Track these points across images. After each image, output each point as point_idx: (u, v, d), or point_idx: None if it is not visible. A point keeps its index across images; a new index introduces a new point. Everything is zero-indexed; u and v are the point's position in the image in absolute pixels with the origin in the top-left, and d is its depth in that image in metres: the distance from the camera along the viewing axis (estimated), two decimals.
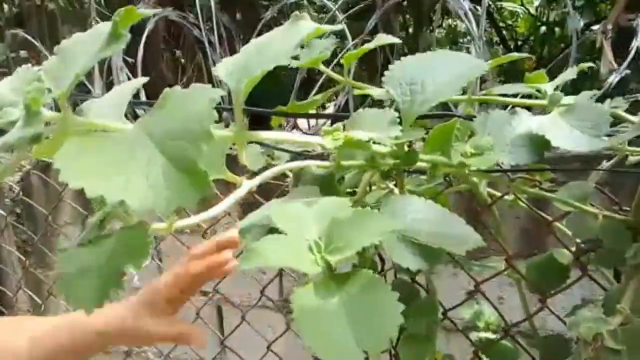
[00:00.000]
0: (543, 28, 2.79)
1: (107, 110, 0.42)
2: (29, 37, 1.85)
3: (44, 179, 1.67)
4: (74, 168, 0.32)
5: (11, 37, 1.97)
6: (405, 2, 1.72)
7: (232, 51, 2.21)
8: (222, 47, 1.89)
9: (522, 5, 2.91)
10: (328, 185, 0.58)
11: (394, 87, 0.55)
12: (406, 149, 0.56)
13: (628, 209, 0.61)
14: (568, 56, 1.60)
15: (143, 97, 1.68)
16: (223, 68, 0.45)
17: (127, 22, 0.37)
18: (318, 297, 0.41)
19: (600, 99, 0.71)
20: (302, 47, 0.66)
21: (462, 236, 0.52)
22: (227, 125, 0.50)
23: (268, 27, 2.03)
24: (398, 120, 0.52)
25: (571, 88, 0.72)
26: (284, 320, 1.57)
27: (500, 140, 0.58)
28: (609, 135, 0.55)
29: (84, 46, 0.39)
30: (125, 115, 0.43)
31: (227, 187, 0.50)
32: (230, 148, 0.53)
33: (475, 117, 0.61)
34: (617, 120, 0.64)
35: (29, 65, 0.41)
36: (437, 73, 0.54)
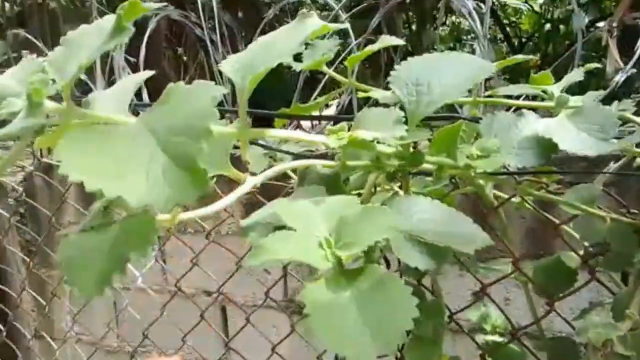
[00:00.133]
0: (547, 25, 2.78)
1: (111, 104, 0.42)
2: (31, 37, 1.85)
3: (47, 179, 1.67)
4: (74, 161, 0.32)
5: (13, 36, 1.97)
6: (408, 0, 1.71)
7: (235, 50, 2.21)
8: (224, 46, 1.88)
9: (526, 2, 2.90)
10: (334, 185, 0.58)
11: (399, 88, 0.54)
12: (412, 150, 0.55)
13: (636, 211, 0.61)
14: (573, 54, 1.59)
15: (145, 96, 1.68)
16: (228, 65, 0.45)
17: (131, 16, 0.37)
18: (330, 292, 0.40)
19: (607, 99, 0.71)
20: (305, 47, 0.66)
21: (470, 235, 0.52)
22: (231, 122, 0.49)
23: (270, 25, 2.02)
24: (404, 119, 0.51)
25: (577, 87, 0.71)
26: (288, 321, 1.56)
27: (506, 142, 0.57)
28: (617, 138, 0.54)
29: (89, 38, 0.38)
30: None
31: (230, 186, 0.50)
32: (235, 147, 0.53)
33: (481, 118, 0.61)
34: (623, 121, 0.63)
35: (34, 56, 0.40)
36: (443, 74, 0.54)
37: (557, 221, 0.66)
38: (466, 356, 0.83)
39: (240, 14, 2.62)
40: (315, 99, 1.84)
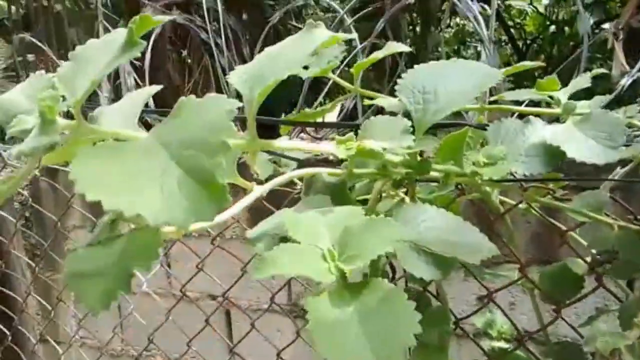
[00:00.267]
0: (552, 27, 2.77)
1: (119, 119, 0.42)
2: (36, 41, 1.86)
3: (51, 183, 1.67)
4: (90, 180, 0.32)
5: (19, 40, 1.97)
6: (412, 1, 1.71)
7: (239, 53, 2.21)
8: (229, 51, 1.88)
9: (531, 3, 2.89)
10: (340, 193, 0.58)
11: (406, 96, 0.54)
12: (419, 158, 0.55)
13: None
14: (578, 56, 1.59)
15: (150, 101, 1.68)
16: (236, 76, 0.45)
17: (142, 30, 0.37)
18: (333, 307, 0.40)
19: (612, 102, 0.70)
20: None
21: (476, 245, 0.51)
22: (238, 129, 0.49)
23: (275, 28, 2.02)
24: (411, 129, 0.51)
25: (583, 90, 0.71)
26: (292, 325, 1.56)
27: (513, 149, 0.57)
28: (625, 145, 0.54)
29: (98, 52, 0.38)
30: None
31: (235, 191, 0.50)
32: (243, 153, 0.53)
33: (487, 125, 0.60)
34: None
35: (42, 72, 0.40)
36: (450, 82, 0.53)
37: (564, 228, 0.66)
38: None
39: (244, 16, 2.62)
40: (321, 103, 1.85)
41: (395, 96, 0.57)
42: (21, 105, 0.39)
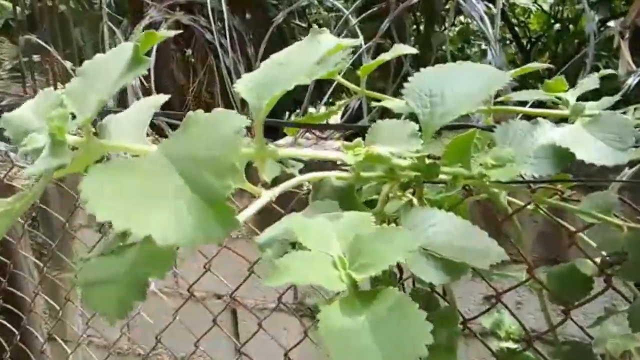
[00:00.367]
0: (557, 25, 2.75)
1: (128, 129, 0.42)
2: (42, 43, 1.86)
3: (58, 183, 1.68)
4: (100, 200, 0.32)
5: (25, 41, 1.98)
6: (417, 1, 1.70)
7: (243, 53, 2.21)
8: (234, 51, 1.88)
9: (535, 2, 2.87)
10: (348, 197, 0.58)
11: (413, 99, 0.54)
12: (427, 161, 0.55)
13: None
14: (584, 55, 1.58)
15: None
16: (242, 85, 0.45)
17: (147, 46, 0.37)
18: (344, 316, 0.40)
19: (620, 102, 0.70)
20: None
21: (485, 250, 0.51)
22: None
23: (279, 27, 2.02)
24: (419, 132, 0.51)
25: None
26: (298, 324, 1.57)
27: (521, 151, 0.57)
28: (634, 146, 0.54)
29: (106, 68, 0.38)
30: None
31: (241, 193, 0.50)
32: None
33: (495, 127, 0.60)
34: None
35: (52, 89, 0.40)
36: (457, 85, 0.53)
37: (572, 229, 0.66)
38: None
39: (247, 15, 2.62)
40: (326, 103, 1.85)
41: (400, 96, 0.56)
42: (31, 122, 0.39)
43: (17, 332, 1.61)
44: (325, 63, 0.42)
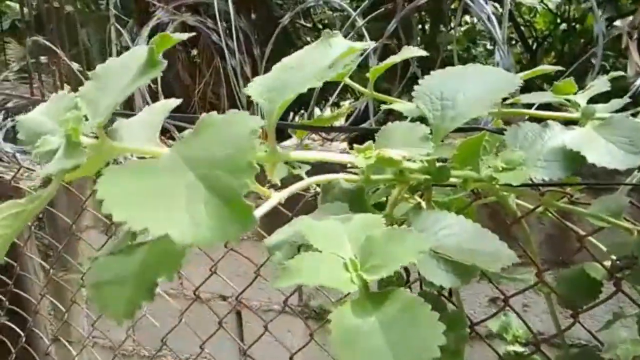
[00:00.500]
0: (563, 25, 2.74)
1: (141, 133, 0.42)
2: (49, 44, 1.87)
3: (64, 184, 1.68)
4: (116, 200, 0.32)
5: (32, 43, 1.99)
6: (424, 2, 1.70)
7: (250, 54, 2.21)
8: (240, 53, 1.89)
9: (542, 1, 2.86)
10: (357, 200, 0.58)
11: (424, 102, 0.53)
12: (437, 164, 0.55)
13: None
14: (591, 55, 1.58)
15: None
16: (254, 88, 0.45)
17: (162, 48, 0.37)
18: (355, 317, 0.40)
19: (629, 103, 0.70)
20: None
21: (495, 252, 0.51)
22: None
23: (283, 27, 2.02)
24: (430, 135, 0.51)
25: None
26: (302, 325, 1.57)
27: (532, 154, 0.56)
28: None
29: (120, 70, 0.39)
30: None
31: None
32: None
33: (505, 129, 0.60)
34: None
35: (64, 92, 0.40)
36: (468, 88, 0.53)
37: (582, 232, 0.66)
38: None
39: (253, 15, 2.62)
40: (333, 104, 1.85)
41: (405, 97, 0.56)
42: (45, 125, 0.39)
43: (22, 334, 1.61)
44: (337, 66, 0.42)
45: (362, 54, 1.57)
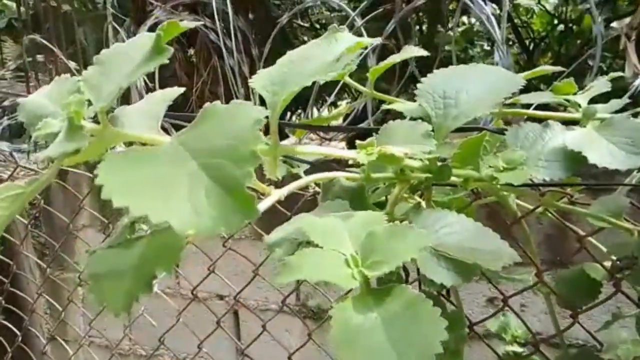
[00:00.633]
0: (560, 26, 2.75)
1: (141, 121, 0.42)
2: (46, 42, 1.86)
3: (61, 183, 1.67)
4: (116, 186, 0.31)
5: (29, 41, 1.98)
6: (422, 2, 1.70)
7: (248, 53, 2.21)
8: (239, 52, 1.88)
9: (539, 2, 2.87)
10: (358, 198, 0.57)
11: (426, 101, 0.53)
12: (439, 163, 0.54)
13: None
14: (589, 56, 1.58)
15: None
16: (258, 80, 0.45)
17: (170, 36, 0.36)
18: (357, 313, 0.40)
19: (627, 104, 0.70)
20: None
21: (496, 251, 0.51)
22: None
23: (281, 28, 2.02)
24: (432, 133, 0.51)
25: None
26: (300, 325, 1.56)
27: (533, 154, 0.56)
28: None
29: (125, 57, 0.38)
30: None
31: None
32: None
33: (506, 129, 0.60)
34: None
35: (69, 76, 0.40)
36: (471, 87, 0.53)
37: (582, 233, 0.66)
38: None
39: (250, 15, 2.62)
40: (331, 105, 1.85)
41: (404, 97, 0.56)
42: (46, 107, 0.39)
43: (19, 333, 1.60)
44: (342, 61, 0.41)
45: (360, 54, 1.56)
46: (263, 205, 0.47)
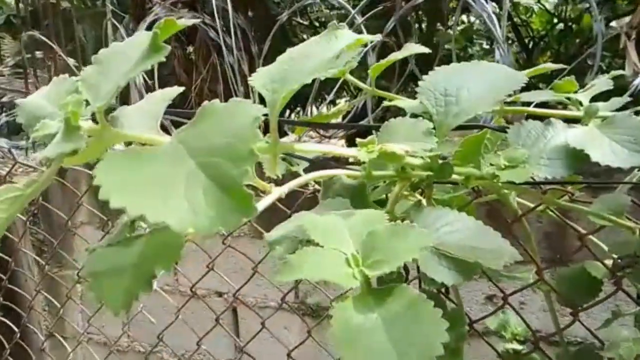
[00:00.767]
0: (559, 25, 2.75)
1: (141, 120, 0.41)
2: (45, 39, 1.85)
3: (59, 179, 1.67)
4: (114, 186, 0.31)
5: (27, 38, 1.97)
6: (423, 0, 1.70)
7: (247, 51, 2.20)
8: (238, 50, 1.88)
9: (539, 1, 2.87)
10: (359, 196, 0.57)
11: (427, 98, 0.53)
12: (440, 161, 0.54)
13: None
14: (588, 55, 1.58)
15: None
16: (257, 78, 0.44)
17: (167, 34, 0.36)
18: (357, 313, 0.40)
19: (628, 102, 0.70)
20: None
21: (498, 250, 0.51)
22: None
23: (281, 26, 2.01)
24: (433, 131, 0.50)
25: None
26: (299, 322, 1.56)
27: (535, 152, 0.56)
28: None
29: (122, 57, 0.38)
30: None
31: None
32: None
33: (507, 127, 0.60)
34: None
35: (67, 76, 0.40)
36: (472, 84, 0.53)
37: (583, 231, 0.65)
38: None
39: (250, 13, 2.61)
40: (330, 102, 1.84)
41: (403, 95, 0.56)
42: (44, 108, 0.38)
43: (17, 330, 1.60)
44: (342, 58, 0.41)
45: (360, 52, 1.56)
46: (263, 203, 0.47)
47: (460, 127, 0.62)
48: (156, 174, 0.33)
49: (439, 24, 2.55)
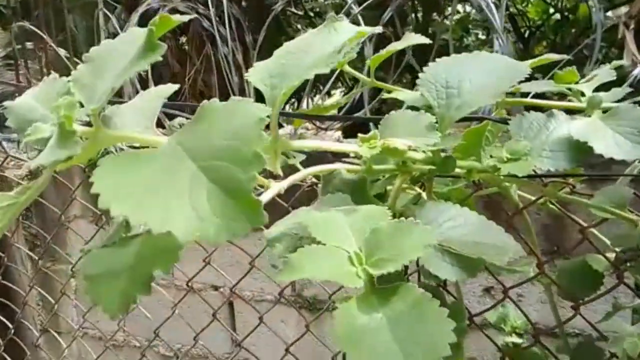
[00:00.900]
0: (556, 15, 2.73)
1: (136, 120, 0.40)
2: (36, 29, 1.82)
3: (53, 174, 1.65)
4: (114, 193, 0.30)
5: (18, 28, 1.94)
6: None
7: (241, 41, 2.18)
8: (232, 40, 1.85)
9: None
10: (360, 191, 0.56)
11: (428, 90, 0.52)
12: (442, 154, 0.53)
13: None
14: (585, 45, 1.57)
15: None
16: (255, 74, 0.43)
17: (162, 31, 0.34)
18: (361, 313, 0.39)
19: (630, 93, 0.69)
20: None
21: (501, 245, 0.50)
22: None
23: (275, 16, 1.99)
24: (436, 125, 0.49)
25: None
26: (296, 315, 1.56)
27: (537, 144, 0.55)
28: None
29: (116, 54, 0.36)
30: None
31: None
32: None
33: (509, 119, 0.59)
34: None
35: (58, 77, 0.38)
36: (474, 76, 0.51)
37: (584, 224, 0.65)
38: (477, 352, 0.82)
39: (243, 3, 2.58)
40: (326, 93, 1.82)
41: (400, 86, 0.55)
42: (36, 110, 0.37)
43: (11, 326, 1.59)
44: (343, 51, 0.40)
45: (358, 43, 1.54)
46: (263, 199, 0.46)
47: (462, 119, 0.61)
48: (156, 178, 0.32)
49: (435, 14, 2.53)
